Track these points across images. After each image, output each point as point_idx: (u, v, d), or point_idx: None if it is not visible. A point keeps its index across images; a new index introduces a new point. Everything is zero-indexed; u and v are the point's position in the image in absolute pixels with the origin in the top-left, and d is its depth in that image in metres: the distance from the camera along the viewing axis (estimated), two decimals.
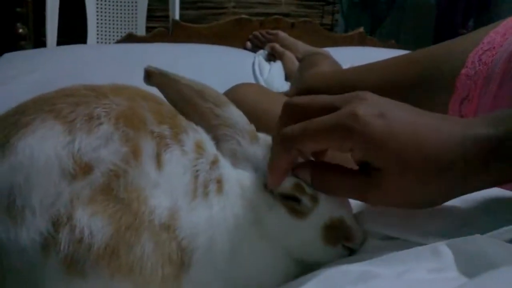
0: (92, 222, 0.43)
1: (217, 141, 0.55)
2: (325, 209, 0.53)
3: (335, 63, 1.41)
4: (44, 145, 0.45)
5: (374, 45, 1.98)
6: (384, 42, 2.03)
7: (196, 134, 0.54)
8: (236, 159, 0.55)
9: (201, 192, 0.50)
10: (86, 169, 0.45)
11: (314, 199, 0.52)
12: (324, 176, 0.52)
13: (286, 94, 1.25)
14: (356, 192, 0.51)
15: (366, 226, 0.53)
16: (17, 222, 0.43)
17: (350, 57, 1.59)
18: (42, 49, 1.72)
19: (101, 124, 0.47)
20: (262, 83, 1.52)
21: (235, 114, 0.56)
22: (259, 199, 0.53)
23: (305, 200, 0.52)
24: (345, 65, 1.44)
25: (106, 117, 0.48)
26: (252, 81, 1.53)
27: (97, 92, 0.51)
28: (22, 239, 0.43)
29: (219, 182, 0.52)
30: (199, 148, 0.53)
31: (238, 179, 0.54)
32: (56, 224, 0.43)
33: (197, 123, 0.55)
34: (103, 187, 0.46)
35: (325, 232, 0.52)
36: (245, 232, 0.51)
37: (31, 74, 1.40)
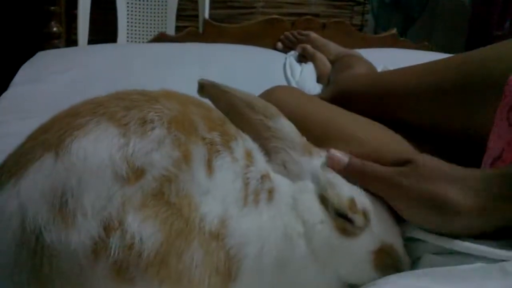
0: (143, 228, 0.43)
1: (269, 153, 0.55)
2: (378, 232, 0.52)
3: (370, 65, 1.38)
4: (98, 148, 0.45)
5: (407, 46, 1.94)
6: (417, 43, 1.99)
7: (245, 142, 0.54)
8: (287, 171, 0.55)
9: (252, 200, 0.50)
10: (138, 173, 0.45)
11: (366, 218, 0.52)
12: None
13: (319, 96, 1.23)
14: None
15: (422, 237, 0.51)
16: (68, 224, 0.43)
17: (383, 58, 1.56)
18: (74, 48, 1.74)
19: (154, 128, 0.47)
20: (294, 85, 1.50)
21: (286, 126, 0.56)
22: (311, 211, 0.52)
23: (358, 219, 0.52)
24: (378, 67, 1.42)
25: (159, 121, 0.48)
26: (283, 82, 1.52)
27: (148, 97, 0.51)
28: (73, 242, 0.43)
29: (270, 192, 0.52)
30: (249, 156, 0.53)
31: (290, 191, 0.54)
32: (107, 228, 0.43)
33: (248, 134, 0.55)
34: (155, 191, 0.45)
35: (376, 256, 0.52)
36: (294, 246, 0.51)
37: (65, 72, 1.41)
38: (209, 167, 0.49)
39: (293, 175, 0.55)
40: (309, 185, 0.55)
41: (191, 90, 0.61)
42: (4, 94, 1.27)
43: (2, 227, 0.45)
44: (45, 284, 0.44)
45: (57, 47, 1.75)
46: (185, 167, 0.47)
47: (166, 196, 0.45)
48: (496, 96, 0.79)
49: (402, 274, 0.47)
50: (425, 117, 0.89)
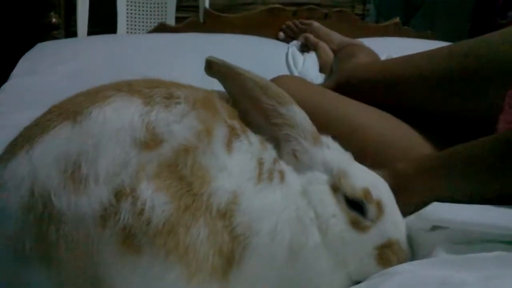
0: (155, 197, 0.43)
1: (278, 140, 0.54)
2: (386, 227, 0.52)
3: (373, 54, 1.37)
4: (119, 113, 0.45)
5: (410, 35, 1.92)
6: (420, 32, 1.97)
7: (256, 135, 0.54)
8: (297, 161, 0.54)
9: (266, 177, 0.50)
10: (157, 141, 0.45)
11: (380, 210, 0.51)
12: None
13: (322, 86, 1.22)
14: None
15: (442, 222, 0.50)
16: (79, 189, 0.43)
17: (386, 48, 1.55)
18: (74, 39, 1.72)
19: (179, 103, 0.48)
20: (296, 74, 1.49)
21: (299, 114, 0.55)
22: (324, 204, 0.51)
23: (372, 211, 0.51)
24: (381, 56, 1.40)
25: (184, 98, 0.49)
26: (286, 72, 1.51)
27: (176, 83, 0.52)
28: (82, 207, 0.42)
29: (282, 174, 0.51)
30: (263, 144, 0.52)
31: (300, 179, 0.53)
32: (118, 194, 0.43)
33: (257, 119, 0.54)
34: (169, 162, 0.45)
35: (381, 251, 0.51)
36: (307, 232, 0.50)
37: (64, 63, 1.40)
38: (229, 146, 0.49)
39: (303, 165, 0.54)
40: (321, 176, 0.54)
41: (192, 81, 0.59)
42: (4, 86, 1.27)
43: (11, 191, 0.44)
44: (50, 251, 0.43)
45: (56, 38, 1.73)
46: (206, 140, 0.47)
47: (180, 169, 0.45)
48: (505, 81, 0.78)
49: (415, 263, 0.46)
50: (430, 104, 0.88)
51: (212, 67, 0.56)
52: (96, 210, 0.43)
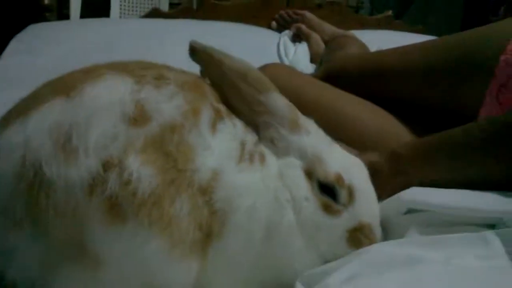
0: (142, 169, 0.45)
1: (257, 127, 0.55)
2: (357, 211, 0.53)
3: (363, 46, 1.39)
4: (111, 89, 0.47)
5: (402, 29, 1.94)
6: (412, 26, 1.98)
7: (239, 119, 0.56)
8: (275, 147, 0.55)
9: (247, 158, 0.52)
10: (145, 117, 0.47)
11: (351, 195, 0.53)
12: None
13: (312, 75, 1.23)
14: None
15: (417, 205, 0.52)
16: (69, 159, 0.45)
17: (377, 40, 1.56)
18: (67, 21, 1.71)
19: (168, 84, 0.50)
20: (287, 64, 1.50)
21: (278, 102, 0.56)
22: (297, 187, 0.53)
23: (343, 196, 0.52)
24: (372, 49, 1.42)
25: (174, 80, 0.51)
26: (277, 61, 1.51)
27: (168, 66, 0.55)
28: (71, 176, 0.44)
29: (262, 156, 0.53)
30: (246, 128, 0.55)
31: (278, 163, 0.54)
32: (106, 164, 0.45)
33: (237, 105, 0.55)
34: (156, 139, 0.47)
35: (352, 235, 0.52)
36: (283, 212, 0.51)
37: (57, 46, 1.40)
38: (213, 127, 0.51)
39: (280, 151, 0.56)
40: (295, 161, 0.55)
41: (183, 67, 0.60)
42: None
43: (4, 159, 0.46)
44: (39, 217, 0.45)
45: (49, 20, 1.72)
46: (192, 119, 0.49)
47: (165, 146, 0.47)
48: (487, 75, 0.80)
49: (385, 243, 0.48)
50: (415, 96, 0.90)
51: (195, 52, 0.58)
52: (85, 179, 0.44)
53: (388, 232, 0.55)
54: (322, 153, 0.56)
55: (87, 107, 0.46)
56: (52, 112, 0.47)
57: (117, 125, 0.46)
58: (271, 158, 0.55)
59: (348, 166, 0.56)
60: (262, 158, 0.53)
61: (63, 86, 0.49)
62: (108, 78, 0.49)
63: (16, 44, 1.40)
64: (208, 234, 0.48)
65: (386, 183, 0.62)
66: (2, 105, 1.03)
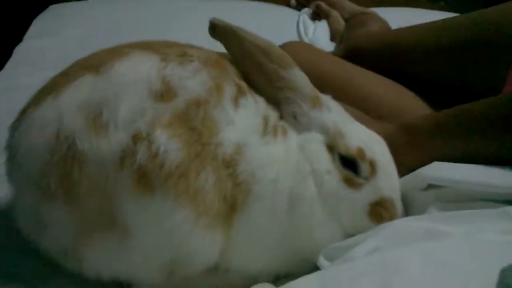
0: (169, 143, 0.46)
1: (279, 103, 0.56)
2: (379, 185, 0.54)
3: (384, 23, 1.37)
4: (138, 66, 0.49)
5: (423, 6, 1.90)
6: (433, 3, 1.94)
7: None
8: (297, 122, 0.56)
9: (271, 132, 0.53)
10: (171, 93, 0.49)
11: (373, 169, 0.53)
12: None
13: (332, 54, 1.23)
14: None
15: (438, 180, 0.52)
16: (100, 133, 0.47)
17: (398, 18, 1.54)
18: (87, 1, 1.72)
19: (192, 61, 0.52)
20: (307, 42, 1.49)
21: (300, 78, 0.57)
22: (319, 160, 0.54)
23: (365, 169, 0.53)
24: (393, 27, 1.40)
25: (197, 57, 0.53)
26: (296, 39, 1.50)
27: (191, 45, 0.57)
28: (103, 149, 0.46)
29: (284, 130, 0.54)
30: (268, 103, 0.55)
31: (299, 138, 0.55)
32: (135, 137, 0.47)
33: (259, 81, 0.56)
34: (182, 113, 0.49)
35: (373, 208, 0.53)
36: (306, 184, 0.52)
37: (77, 26, 1.41)
38: (236, 103, 0.52)
39: (301, 126, 0.57)
40: (317, 136, 0.56)
41: (203, 45, 0.61)
42: (18, 47, 1.29)
43: (37, 134, 0.49)
44: (72, 188, 0.48)
45: (68, 0, 1.74)
46: (216, 95, 0.51)
47: (191, 120, 0.49)
48: (510, 53, 0.79)
49: (406, 218, 0.49)
50: (435, 74, 0.89)
51: (215, 29, 0.59)
52: (115, 152, 0.46)
53: (408, 208, 0.55)
54: (343, 128, 0.57)
55: (115, 83, 0.48)
56: (83, 89, 0.49)
57: (144, 100, 0.48)
58: (293, 133, 0.56)
59: (369, 141, 0.57)
60: (285, 133, 0.54)
61: (92, 64, 0.51)
62: (135, 55, 0.51)
63: (37, 26, 1.42)
64: (232, 206, 0.50)
65: (402, 155, 0.62)
66: (27, 87, 1.06)
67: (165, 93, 0.49)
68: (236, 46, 0.57)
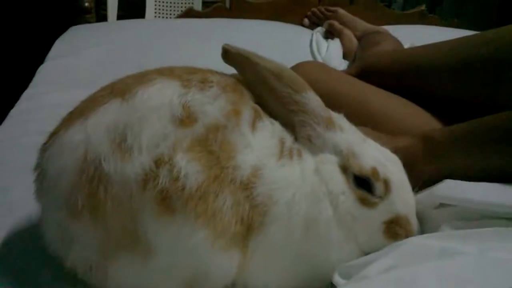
0: (189, 166, 0.49)
1: (294, 125, 0.58)
2: (394, 203, 0.55)
3: (397, 42, 1.38)
4: (161, 93, 0.52)
5: (436, 23, 1.91)
6: (446, 21, 1.96)
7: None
8: (312, 144, 0.58)
9: (287, 154, 0.55)
10: (192, 119, 0.51)
11: (387, 187, 0.54)
12: None
13: (345, 72, 1.24)
14: None
15: (450, 200, 0.53)
16: (125, 156, 0.49)
17: (411, 35, 1.56)
18: (105, 23, 1.78)
19: (212, 87, 0.54)
20: (320, 61, 1.51)
21: (313, 101, 0.58)
22: (334, 181, 0.55)
23: (379, 188, 0.54)
24: (405, 44, 1.41)
25: (217, 83, 0.55)
26: (310, 58, 1.53)
27: (211, 70, 0.59)
28: (127, 171, 0.49)
29: (300, 152, 0.56)
30: (283, 127, 0.58)
31: (314, 160, 0.57)
32: (158, 162, 0.49)
33: (273, 105, 0.58)
34: (201, 138, 0.51)
35: (389, 226, 0.54)
36: (321, 206, 0.54)
37: (98, 46, 1.45)
38: (253, 126, 0.54)
39: (316, 148, 0.58)
40: (331, 157, 0.57)
41: (218, 66, 0.63)
42: (40, 67, 1.33)
43: (67, 155, 0.51)
44: (98, 208, 0.50)
45: (88, 22, 1.79)
46: (234, 119, 0.53)
47: (210, 144, 0.51)
48: None
49: (420, 236, 0.50)
50: (449, 93, 0.89)
51: (228, 55, 0.61)
52: (139, 174, 0.49)
53: (422, 225, 0.56)
54: (356, 148, 0.58)
55: (140, 109, 0.51)
56: (109, 113, 0.52)
57: (166, 126, 0.50)
58: (308, 155, 0.57)
59: (382, 160, 0.58)
60: (300, 155, 0.56)
61: (119, 89, 0.54)
62: (158, 82, 0.53)
63: (59, 46, 1.47)
64: (249, 227, 0.52)
65: (421, 166, 0.63)
66: (50, 106, 1.10)
67: (185, 118, 0.51)
68: (249, 72, 0.59)
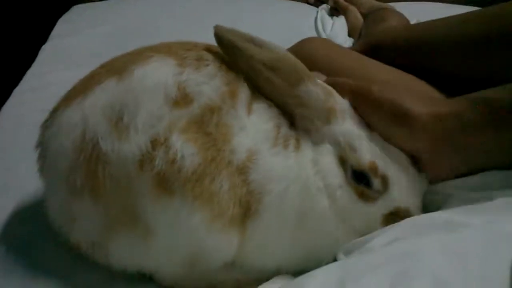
0: (185, 147, 0.48)
1: (293, 116, 0.56)
2: (393, 198, 0.54)
3: (403, 19, 1.36)
4: (156, 72, 0.51)
5: (441, 0, 1.88)
6: None
7: None
8: (310, 136, 0.56)
9: (281, 143, 0.53)
10: (187, 99, 0.50)
11: (385, 184, 0.53)
12: None
13: (352, 49, 1.23)
14: None
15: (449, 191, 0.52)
16: (122, 136, 0.49)
17: (416, 12, 1.53)
18: (109, 2, 1.75)
19: (207, 65, 0.52)
20: (325, 38, 1.49)
21: (312, 94, 0.55)
22: (332, 174, 0.54)
23: (376, 184, 0.53)
24: (411, 21, 1.39)
25: (212, 60, 0.53)
26: (315, 36, 1.51)
27: (209, 46, 0.57)
28: (124, 151, 0.49)
29: (298, 141, 0.54)
30: (280, 111, 0.56)
31: (312, 151, 0.55)
32: (154, 142, 0.48)
33: (272, 97, 0.55)
34: (197, 119, 0.50)
35: (388, 217, 0.54)
36: (315, 200, 0.53)
37: (101, 25, 1.44)
38: (249, 108, 0.53)
39: (315, 139, 0.56)
40: (330, 148, 0.55)
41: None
42: (43, 47, 1.32)
43: (65, 135, 0.51)
44: (97, 187, 0.50)
45: (92, 0, 1.77)
46: (230, 101, 0.52)
47: (205, 125, 0.50)
48: None
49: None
50: (461, 70, 0.87)
51: (221, 43, 0.56)
52: (136, 154, 0.49)
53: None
54: (356, 141, 0.55)
55: (135, 88, 0.50)
56: (106, 93, 0.51)
57: (162, 107, 0.50)
58: (306, 145, 0.55)
59: (383, 153, 0.55)
60: (297, 144, 0.54)
61: (116, 67, 0.53)
62: (155, 60, 0.52)
63: (62, 25, 1.46)
64: (246, 210, 0.51)
65: (478, 136, 0.52)
66: (54, 85, 1.10)
67: (180, 99, 0.50)
68: (244, 65, 0.55)
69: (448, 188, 0.53)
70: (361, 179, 0.54)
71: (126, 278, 0.58)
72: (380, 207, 0.54)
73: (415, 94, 0.56)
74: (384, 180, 0.54)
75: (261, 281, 0.53)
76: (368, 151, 0.54)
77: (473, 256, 0.36)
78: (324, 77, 0.63)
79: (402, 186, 0.54)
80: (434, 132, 0.52)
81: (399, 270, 0.36)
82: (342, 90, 0.58)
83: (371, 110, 0.56)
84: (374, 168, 0.53)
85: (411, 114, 0.53)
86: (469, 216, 0.41)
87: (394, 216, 0.53)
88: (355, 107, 0.58)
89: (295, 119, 0.56)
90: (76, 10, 1.58)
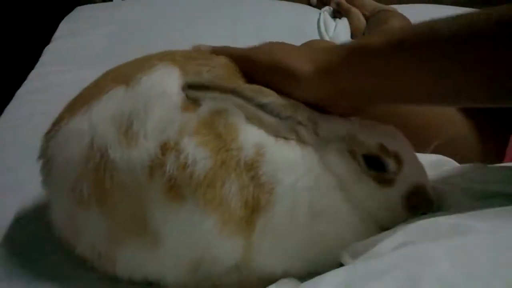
0: (197, 152, 0.48)
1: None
2: (409, 174, 0.53)
3: (406, 20, 1.36)
4: (164, 79, 0.51)
5: (444, 2, 1.88)
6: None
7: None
8: (316, 136, 0.55)
9: (283, 137, 0.53)
10: (195, 103, 0.51)
11: (398, 161, 0.53)
12: None
13: None
14: None
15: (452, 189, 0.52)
16: (131, 143, 0.49)
17: (419, 14, 1.52)
18: (111, 3, 1.76)
19: (209, 70, 0.54)
20: (328, 40, 1.49)
21: (302, 114, 0.54)
22: (344, 168, 0.53)
23: (391, 164, 0.53)
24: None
25: (213, 66, 0.55)
26: (317, 38, 1.51)
27: (211, 54, 0.59)
28: (133, 158, 0.48)
29: (303, 138, 0.54)
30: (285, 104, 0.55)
31: (319, 149, 0.54)
32: (163, 147, 0.48)
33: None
34: (207, 121, 0.50)
35: (408, 199, 0.53)
36: (326, 192, 0.52)
37: (104, 26, 1.45)
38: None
39: (321, 139, 0.55)
40: (338, 144, 0.55)
41: (225, 42, 0.63)
42: (46, 48, 1.32)
43: (72, 144, 0.51)
44: (105, 196, 0.49)
45: (94, 2, 1.78)
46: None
47: (216, 127, 0.50)
48: None
49: (431, 215, 0.49)
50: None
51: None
52: (145, 161, 0.48)
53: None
54: (357, 130, 0.55)
55: (144, 96, 0.50)
56: (114, 101, 0.51)
57: (172, 110, 0.50)
58: (311, 142, 0.55)
59: (386, 135, 0.56)
60: (303, 141, 0.54)
61: (122, 75, 0.53)
62: (160, 68, 0.53)
63: (65, 27, 1.46)
64: (254, 209, 0.51)
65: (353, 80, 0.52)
66: (55, 86, 1.10)
67: (188, 104, 0.51)
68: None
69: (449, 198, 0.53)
70: (374, 166, 0.53)
71: (128, 281, 0.57)
72: (399, 189, 0.53)
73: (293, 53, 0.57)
74: (397, 158, 0.53)
75: (265, 284, 0.52)
76: (371, 135, 0.54)
77: (481, 261, 0.36)
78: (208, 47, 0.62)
79: (413, 161, 0.54)
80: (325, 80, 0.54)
81: (406, 275, 0.35)
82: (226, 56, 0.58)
83: (261, 73, 0.56)
84: (384, 149, 0.53)
85: (298, 69, 0.54)
86: (476, 221, 0.41)
87: (414, 197, 0.52)
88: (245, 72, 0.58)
89: (297, 130, 0.55)
90: (79, 12, 1.58)
